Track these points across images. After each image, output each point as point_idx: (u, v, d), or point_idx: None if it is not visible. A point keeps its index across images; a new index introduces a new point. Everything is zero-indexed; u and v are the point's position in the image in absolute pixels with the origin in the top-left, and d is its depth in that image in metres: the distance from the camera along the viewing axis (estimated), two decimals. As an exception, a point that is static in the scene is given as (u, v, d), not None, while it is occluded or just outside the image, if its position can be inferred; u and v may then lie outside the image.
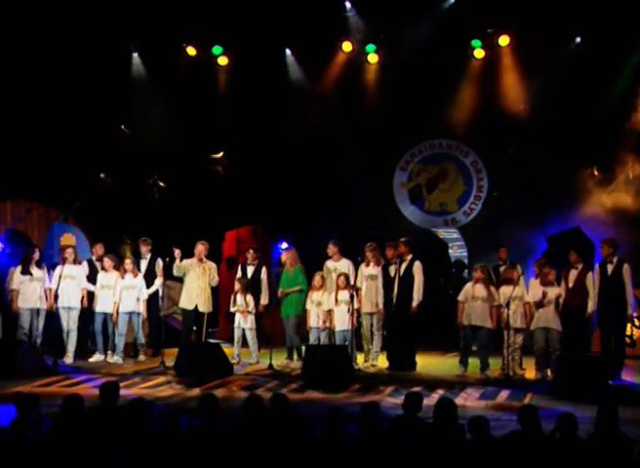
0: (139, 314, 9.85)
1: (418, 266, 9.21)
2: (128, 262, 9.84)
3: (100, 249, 10.24)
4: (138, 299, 9.78)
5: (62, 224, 11.43)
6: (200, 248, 9.71)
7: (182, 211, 12.17)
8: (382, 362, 9.46)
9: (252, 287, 9.69)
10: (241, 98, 12.23)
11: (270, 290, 9.95)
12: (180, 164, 12.22)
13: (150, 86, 12.50)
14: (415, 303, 9.08)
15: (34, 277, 9.66)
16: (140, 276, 9.87)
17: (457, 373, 8.95)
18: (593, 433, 4.73)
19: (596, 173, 11.41)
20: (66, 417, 4.92)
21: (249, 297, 9.56)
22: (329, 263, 9.76)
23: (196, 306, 9.67)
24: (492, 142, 12.26)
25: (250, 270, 9.95)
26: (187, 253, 9.83)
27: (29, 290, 9.62)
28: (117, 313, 9.75)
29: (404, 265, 9.29)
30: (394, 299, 9.22)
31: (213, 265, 9.86)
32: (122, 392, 5.54)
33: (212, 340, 10.47)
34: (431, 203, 13.20)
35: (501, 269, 9.71)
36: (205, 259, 9.74)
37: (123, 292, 9.77)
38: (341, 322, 9.20)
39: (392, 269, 9.39)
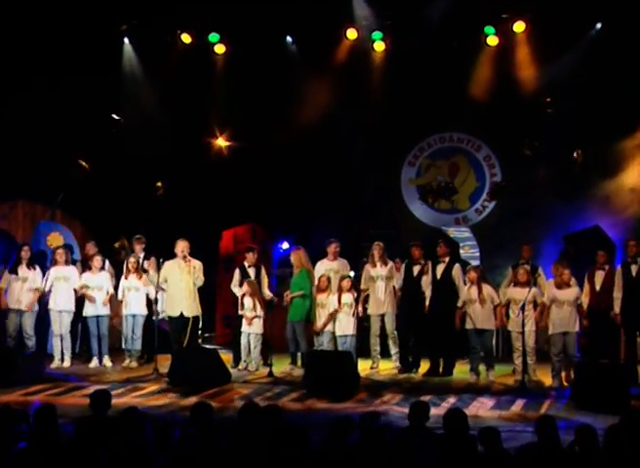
0: (143, 317, 9.82)
1: (458, 269, 9.40)
2: (132, 261, 9.84)
3: (91, 248, 10.25)
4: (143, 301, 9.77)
5: (49, 223, 11.43)
6: (182, 245, 9.37)
7: (177, 208, 12.15)
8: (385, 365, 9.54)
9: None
10: (239, 89, 12.19)
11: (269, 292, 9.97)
12: (175, 157, 12.19)
13: (143, 74, 12.49)
14: (460, 304, 9.12)
15: (20, 277, 9.76)
16: (145, 277, 9.83)
17: (469, 381, 8.98)
18: (614, 446, 4.71)
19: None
20: (39, 430, 4.90)
21: (257, 301, 9.57)
22: (326, 263, 9.81)
23: (181, 312, 9.41)
24: (506, 135, 12.20)
25: (251, 272, 9.87)
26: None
27: (14, 290, 9.74)
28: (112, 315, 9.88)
29: (441, 267, 9.43)
30: (426, 301, 9.39)
31: (198, 263, 9.51)
32: (113, 401, 5.54)
33: (208, 346, 10.48)
34: (441, 200, 13.17)
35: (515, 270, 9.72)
36: (189, 258, 9.43)
37: (127, 294, 9.80)
38: (344, 326, 9.22)
39: (416, 269, 9.54)
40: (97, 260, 9.90)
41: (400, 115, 12.27)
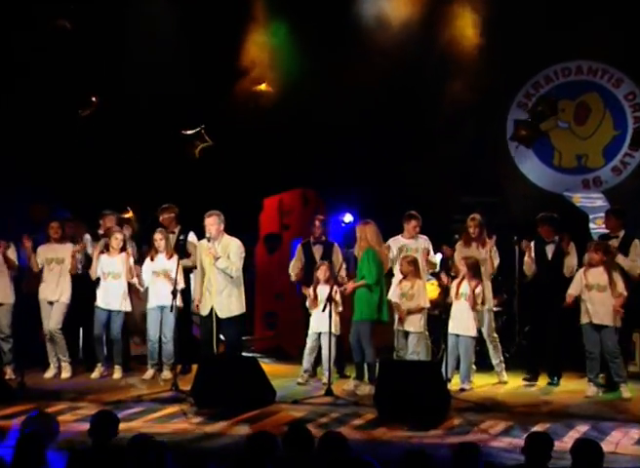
0: (172, 309, 9.62)
1: (637, 245, 9.64)
2: (159, 238, 10.00)
3: (109, 221, 10.49)
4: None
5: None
6: (210, 221, 9.49)
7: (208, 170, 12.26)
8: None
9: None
10: (284, 12, 12.19)
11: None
12: (200, 102, 12.26)
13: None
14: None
15: None
16: (176, 258, 9.89)
17: (586, 395, 9.18)
18: None
19: None
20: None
21: (336, 290, 9.54)
22: (401, 240, 10.10)
23: (211, 310, 9.54)
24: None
25: (317, 251, 10.08)
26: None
27: None
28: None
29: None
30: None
31: (235, 242, 9.64)
32: (120, 426, 5.58)
33: (246, 354, 10.58)
34: (563, 155, 12.98)
35: None
36: (223, 236, 9.55)
37: (154, 279, 9.97)
38: (463, 324, 9.43)
39: (549, 249, 9.85)
40: (114, 239, 10.07)
41: (507, 38, 12.06)
